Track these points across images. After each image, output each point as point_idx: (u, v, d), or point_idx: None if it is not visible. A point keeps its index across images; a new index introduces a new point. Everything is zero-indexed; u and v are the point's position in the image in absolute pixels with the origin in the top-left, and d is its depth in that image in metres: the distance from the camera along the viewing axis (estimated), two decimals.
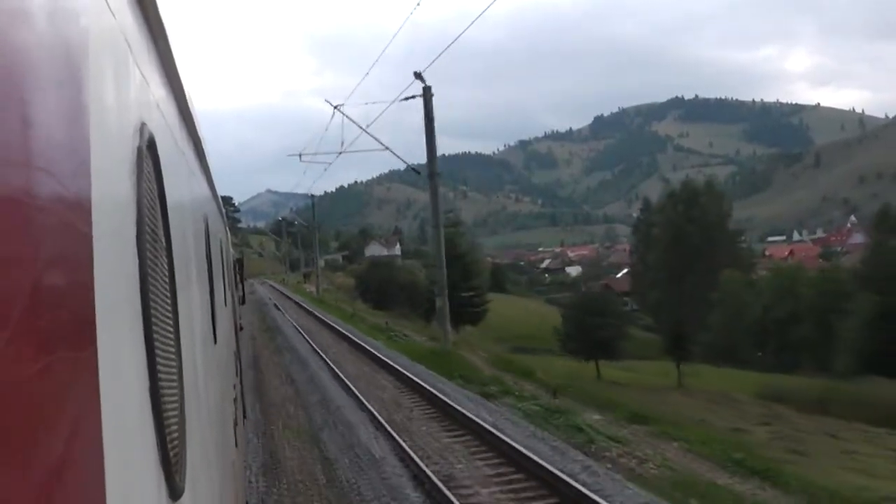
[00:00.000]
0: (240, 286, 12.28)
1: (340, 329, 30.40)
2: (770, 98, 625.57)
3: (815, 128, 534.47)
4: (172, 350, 1.59)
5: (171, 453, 1.37)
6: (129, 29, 1.37)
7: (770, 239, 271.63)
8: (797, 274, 68.28)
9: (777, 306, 66.65)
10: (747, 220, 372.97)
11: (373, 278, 65.76)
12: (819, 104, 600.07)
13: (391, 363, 20.08)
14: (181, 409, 1.63)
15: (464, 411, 13.54)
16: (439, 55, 20.40)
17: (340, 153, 27.41)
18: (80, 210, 0.86)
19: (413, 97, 21.87)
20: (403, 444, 11.74)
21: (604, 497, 8.73)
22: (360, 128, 23.47)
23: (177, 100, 2.33)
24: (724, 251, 78.25)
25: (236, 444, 5.18)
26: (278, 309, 44.03)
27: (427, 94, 21.64)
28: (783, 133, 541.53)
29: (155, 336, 1.31)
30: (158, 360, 1.32)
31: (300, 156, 31.56)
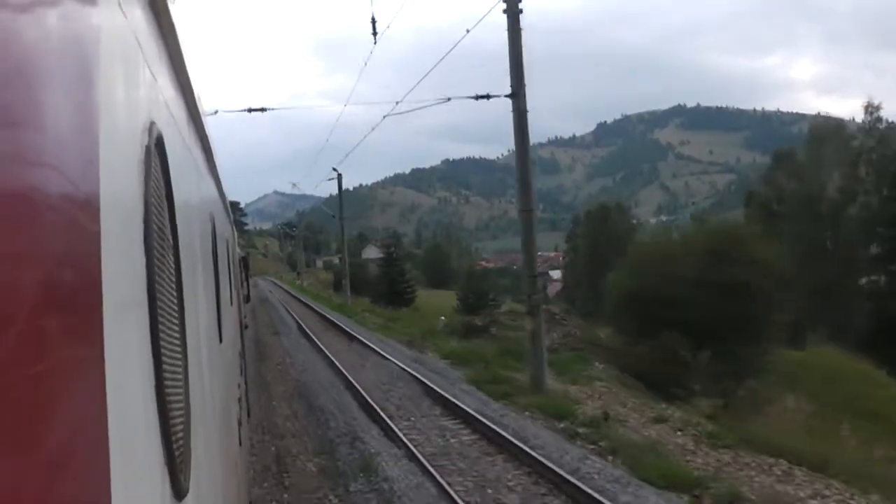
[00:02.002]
0: (245, 285, 12.42)
1: (304, 300, 53.99)
2: (771, 107, 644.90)
3: None
4: (178, 349, 1.63)
5: (177, 453, 1.41)
6: (140, 27, 1.42)
7: None
8: None
9: None
10: None
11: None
12: (819, 113, 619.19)
13: (317, 309, 43.58)
14: (186, 408, 1.68)
15: (332, 319, 36.82)
16: (433, 68, 19.49)
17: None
18: (88, 208, 0.87)
19: (332, 179, 45.37)
20: (302, 324, 35.05)
21: (347, 326, 32.05)
22: (314, 199, 46.72)
23: (186, 99, 2.43)
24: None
25: (240, 443, 5.41)
26: (271, 292, 67.72)
27: (339, 179, 45.09)
28: (783, 142, 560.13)
29: (161, 335, 1.33)
30: (164, 359, 1.34)
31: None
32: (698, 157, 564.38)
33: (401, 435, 12.70)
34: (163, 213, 1.53)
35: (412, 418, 14.20)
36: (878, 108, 63.11)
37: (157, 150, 1.46)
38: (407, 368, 19.20)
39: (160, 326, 1.32)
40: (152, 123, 1.45)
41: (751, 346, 23.79)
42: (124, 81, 1.19)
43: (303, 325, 34.02)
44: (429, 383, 16.97)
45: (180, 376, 1.63)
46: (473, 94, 19.52)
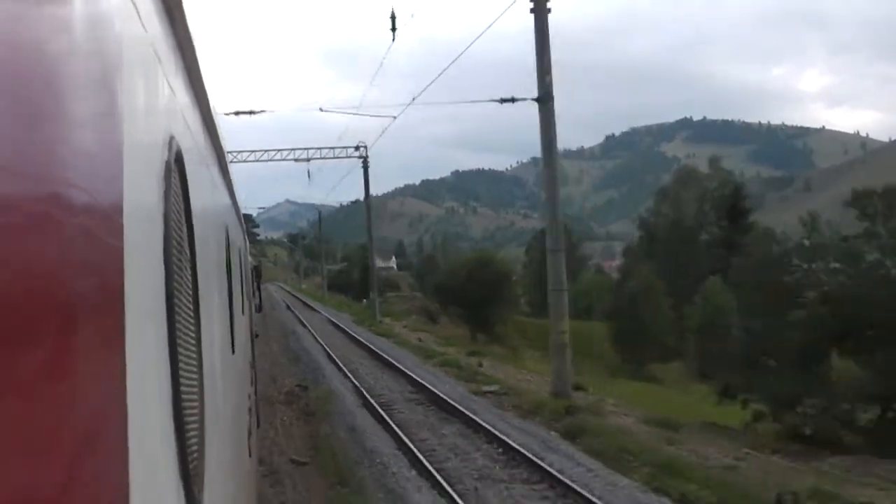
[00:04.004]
0: (257, 294, 12.50)
1: (298, 296, 79.75)
2: (776, 120, 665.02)
3: (818, 150, 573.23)
4: (194, 360, 1.68)
5: (191, 465, 1.44)
6: (159, 41, 1.45)
7: None
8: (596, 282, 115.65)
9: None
10: None
11: (337, 279, 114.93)
12: (824, 127, 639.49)
13: (303, 299, 69.20)
14: (201, 419, 1.73)
15: (310, 303, 62.24)
16: (450, 65, 20.11)
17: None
18: (112, 224, 0.90)
19: (316, 220, 70.62)
20: (289, 305, 60.48)
21: (315, 306, 57.42)
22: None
23: (202, 112, 2.50)
24: (570, 272, 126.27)
25: (250, 454, 5.44)
26: (276, 292, 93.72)
27: (319, 215, 70.31)
28: (787, 156, 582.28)
29: (179, 348, 1.36)
30: (181, 371, 1.37)
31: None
32: (703, 171, 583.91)
33: (311, 331, 37.93)
34: (181, 226, 1.60)
35: (319, 328, 39.41)
36: (719, 159, 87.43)
37: (176, 165, 1.50)
38: (329, 317, 44.59)
39: (178, 339, 1.37)
40: (172, 138, 1.50)
41: (491, 310, 48.92)
42: (145, 95, 1.24)
43: (290, 306, 59.58)
44: (334, 321, 42.41)
45: (196, 387, 1.69)
46: (498, 98, 19.76)
